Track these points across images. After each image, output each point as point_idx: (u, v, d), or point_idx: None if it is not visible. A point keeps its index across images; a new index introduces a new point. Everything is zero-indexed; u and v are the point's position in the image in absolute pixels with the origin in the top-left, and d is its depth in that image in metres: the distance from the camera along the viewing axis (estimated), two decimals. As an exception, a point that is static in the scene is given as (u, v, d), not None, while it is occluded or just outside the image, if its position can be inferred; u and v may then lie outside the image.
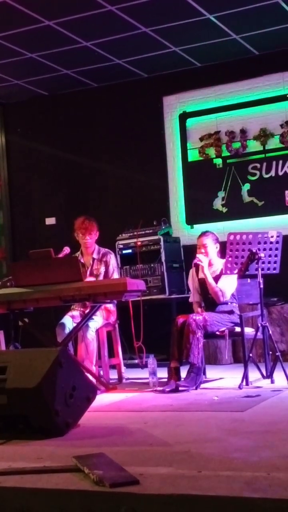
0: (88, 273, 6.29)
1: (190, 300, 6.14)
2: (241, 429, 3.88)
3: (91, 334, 5.93)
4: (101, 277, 6.27)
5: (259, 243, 5.60)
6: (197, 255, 5.91)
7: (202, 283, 5.97)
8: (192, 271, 6.05)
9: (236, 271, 5.62)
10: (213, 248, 5.97)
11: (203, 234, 6.06)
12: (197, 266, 5.96)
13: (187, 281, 6.40)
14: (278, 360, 5.42)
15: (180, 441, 3.63)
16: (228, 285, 5.85)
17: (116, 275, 6.34)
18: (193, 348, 5.48)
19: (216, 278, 5.89)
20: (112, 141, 8.48)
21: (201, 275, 6.01)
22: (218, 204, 7.89)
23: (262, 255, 5.54)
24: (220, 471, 2.93)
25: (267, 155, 7.66)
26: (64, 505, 2.78)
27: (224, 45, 7.37)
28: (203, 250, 5.95)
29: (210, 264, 5.99)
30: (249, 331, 5.84)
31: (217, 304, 5.88)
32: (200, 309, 6.00)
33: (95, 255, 6.37)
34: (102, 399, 5.25)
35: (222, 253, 5.93)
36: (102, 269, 6.31)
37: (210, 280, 5.84)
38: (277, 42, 7.37)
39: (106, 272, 6.30)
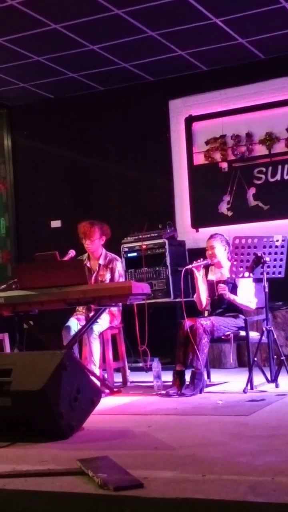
0: (93, 278, 6.26)
1: (195, 299, 6.10)
2: (245, 433, 3.88)
3: (94, 337, 5.93)
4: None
5: (264, 247, 5.60)
6: (220, 285, 5.85)
7: (211, 285, 5.97)
8: (202, 272, 6.01)
9: (241, 275, 5.60)
10: (221, 250, 5.96)
11: (211, 236, 6.06)
12: (192, 272, 5.95)
13: (191, 284, 6.39)
14: (283, 364, 5.42)
15: (184, 445, 3.63)
16: (249, 294, 5.82)
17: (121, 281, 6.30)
18: (199, 354, 5.48)
19: (224, 282, 5.88)
20: (118, 144, 8.49)
21: (210, 277, 6.01)
22: (223, 207, 7.90)
23: (267, 259, 5.53)
24: (224, 475, 2.92)
25: (273, 159, 7.66)
26: (68, 508, 2.78)
27: (230, 49, 7.38)
28: (210, 252, 5.96)
29: (219, 266, 5.99)
30: (254, 335, 5.83)
31: (223, 305, 5.87)
32: (206, 311, 6.00)
33: (101, 261, 6.30)
34: (107, 402, 5.24)
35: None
36: (108, 276, 6.25)
37: (238, 300, 5.82)
38: (284, 46, 7.37)
39: (112, 279, 6.25)
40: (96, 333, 5.94)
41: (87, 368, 5.54)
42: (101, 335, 6.05)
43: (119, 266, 6.34)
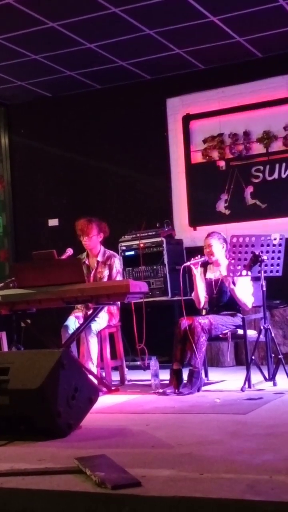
0: (92, 275, 6.26)
1: (193, 297, 6.10)
2: (243, 432, 3.88)
3: (92, 336, 5.93)
4: (105, 281, 6.23)
5: (262, 245, 5.60)
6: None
7: (209, 283, 5.97)
8: (200, 270, 6.02)
9: (239, 274, 5.61)
10: (219, 248, 5.96)
11: (209, 234, 6.07)
12: (190, 269, 5.96)
13: (189, 282, 6.39)
14: (281, 362, 5.42)
15: (182, 443, 3.63)
16: (246, 293, 5.82)
17: (119, 279, 6.30)
18: (197, 352, 5.48)
19: (222, 280, 5.89)
20: (115, 142, 8.48)
21: (208, 275, 6.01)
22: (221, 206, 7.90)
23: (265, 257, 5.54)
24: (222, 473, 2.92)
25: (270, 157, 7.66)
26: (66, 506, 2.78)
27: (228, 47, 7.37)
28: (207, 250, 5.96)
29: (218, 264, 6.00)
30: (251, 333, 5.84)
31: (221, 303, 5.88)
32: (204, 310, 6.00)
33: (99, 258, 6.30)
34: (104, 400, 5.24)
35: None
36: (106, 273, 6.24)
37: (237, 292, 5.81)
38: (281, 45, 7.37)
39: (110, 276, 6.25)
40: (94, 331, 5.94)
41: (85, 366, 5.54)
42: (99, 333, 6.05)
43: (117, 263, 6.33)
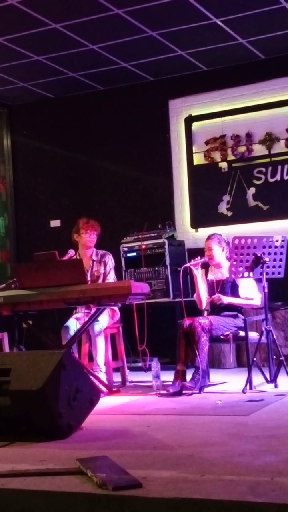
0: (89, 276, 6.27)
1: (195, 298, 6.10)
2: (244, 434, 3.88)
3: (99, 335, 5.95)
4: (101, 278, 6.26)
5: (263, 247, 5.60)
6: (213, 297, 5.85)
7: (211, 285, 5.97)
8: (201, 271, 6.02)
9: (240, 275, 5.60)
10: (219, 251, 5.96)
11: (209, 237, 6.07)
12: (191, 270, 5.96)
13: (191, 283, 6.40)
14: (282, 364, 5.41)
15: (183, 445, 3.63)
16: (251, 291, 5.82)
17: (112, 275, 6.33)
18: (198, 352, 5.48)
19: (223, 282, 5.89)
20: (117, 144, 8.49)
21: (209, 277, 6.01)
22: (223, 208, 7.90)
23: (266, 259, 5.53)
24: (223, 475, 2.92)
25: (273, 159, 7.66)
26: (67, 507, 2.78)
27: (230, 49, 7.37)
28: (208, 254, 5.96)
29: (219, 266, 5.99)
30: (253, 335, 5.83)
31: (222, 305, 5.87)
32: (206, 311, 6.00)
33: (94, 257, 6.36)
34: (106, 402, 5.24)
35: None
36: (102, 270, 6.32)
37: (237, 301, 5.82)
38: (284, 47, 7.37)
39: (104, 272, 6.30)
40: (99, 329, 5.96)
41: (86, 367, 5.54)
42: (104, 331, 6.07)
43: (111, 259, 6.40)
